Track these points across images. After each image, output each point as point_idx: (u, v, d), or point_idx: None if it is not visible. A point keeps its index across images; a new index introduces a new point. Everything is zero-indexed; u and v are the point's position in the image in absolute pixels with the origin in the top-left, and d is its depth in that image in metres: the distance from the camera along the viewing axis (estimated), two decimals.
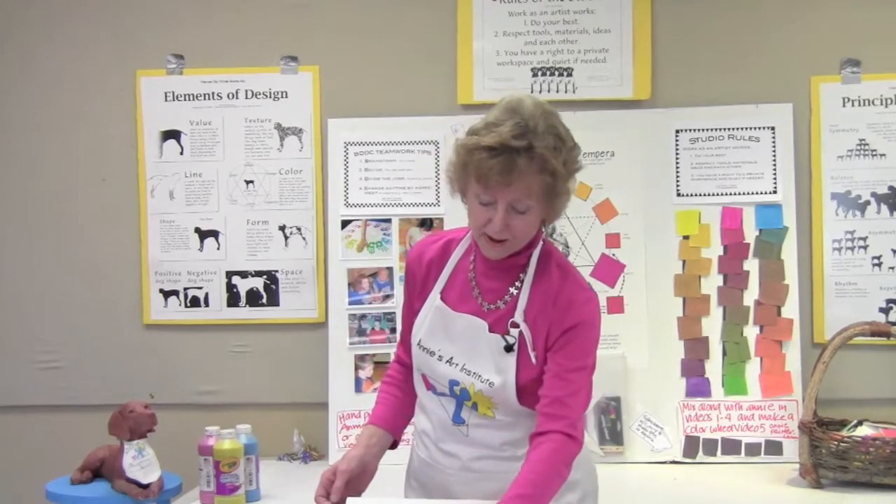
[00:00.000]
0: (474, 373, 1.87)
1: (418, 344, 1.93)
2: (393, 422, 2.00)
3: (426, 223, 3.08)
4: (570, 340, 1.84)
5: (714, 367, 2.99)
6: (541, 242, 1.91)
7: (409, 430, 2.05)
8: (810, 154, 3.03)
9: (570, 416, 1.81)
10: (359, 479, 1.91)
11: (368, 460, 1.93)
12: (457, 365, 1.89)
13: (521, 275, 1.89)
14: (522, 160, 1.73)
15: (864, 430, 2.71)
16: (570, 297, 1.86)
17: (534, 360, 1.85)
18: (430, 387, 1.94)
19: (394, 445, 2.01)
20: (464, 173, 1.81)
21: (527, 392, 1.86)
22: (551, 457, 1.79)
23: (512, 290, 1.89)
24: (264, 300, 3.15)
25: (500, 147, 1.73)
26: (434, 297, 1.93)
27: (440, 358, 1.90)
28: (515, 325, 1.86)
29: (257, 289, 3.15)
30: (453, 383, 1.89)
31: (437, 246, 1.98)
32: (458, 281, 1.93)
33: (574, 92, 3.08)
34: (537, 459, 1.78)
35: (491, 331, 1.87)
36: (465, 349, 1.88)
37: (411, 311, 1.99)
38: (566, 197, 1.85)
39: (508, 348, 1.85)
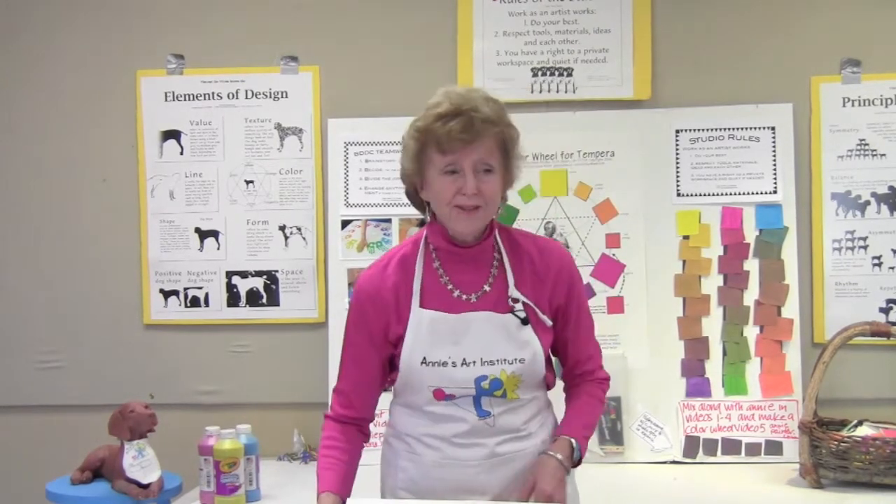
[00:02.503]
0: (498, 360, 1.88)
1: (423, 362, 1.90)
2: (345, 486, 1.93)
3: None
4: (574, 296, 1.96)
5: (714, 367, 2.99)
6: (495, 226, 1.97)
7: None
8: (810, 154, 3.03)
9: (598, 359, 2.02)
10: None
11: None
12: (474, 362, 1.88)
13: (494, 255, 1.94)
14: (477, 120, 1.82)
15: (865, 430, 2.71)
16: (554, 256, 1.96)
17: (549, 322, 1.92)
18: (444, 397, 1.91)
19: None
20: (422, 156, 1.88)
21: (547, 361, 1.95)
22: (599, 393, 2.01)
23: (493, 271, 1.92)
24: (264, 300, 3.15)
25: (455, 110, 1.83)
26: (419, 312, 1.90)
27: (454, 364, 1.89)
28: (516, 301, 1.89)
29: (257, 289, 3.16)
30: (480, 380, 1.89)
31: (390, 269, 1.95)
32: (431, 288, 1.92)
33: (574, 92, 3.08)
34: (589, 393, 2.00)
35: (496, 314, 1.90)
36: (476, 344, 1.89)
37: (375, 355, 1.95)
38: (519, 163, 1.94)
39: (524, 321, 1.89)
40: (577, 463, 1.95)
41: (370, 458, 1.95)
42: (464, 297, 1.91)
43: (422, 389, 1.92)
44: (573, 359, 2.00)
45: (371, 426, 2.04)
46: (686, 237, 3.02)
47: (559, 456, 1.89)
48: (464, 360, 1.88)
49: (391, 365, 1.97)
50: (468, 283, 1.92)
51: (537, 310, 1.91)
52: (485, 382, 1.89)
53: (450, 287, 1.92)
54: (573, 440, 1.92)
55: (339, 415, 1.99)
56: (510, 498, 1.90)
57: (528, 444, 1.94)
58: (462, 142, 1.82)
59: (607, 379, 2.03)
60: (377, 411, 2.03)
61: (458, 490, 1.91)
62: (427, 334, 1.90)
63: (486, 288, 1.92)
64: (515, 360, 1.89)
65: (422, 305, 1.91)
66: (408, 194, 1.99)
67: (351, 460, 1.97)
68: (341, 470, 1.95)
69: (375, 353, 1.95)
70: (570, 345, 1.98)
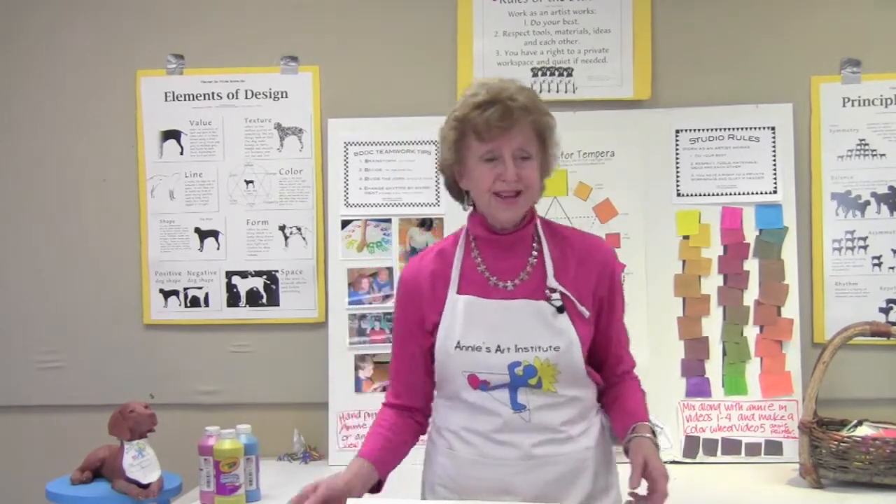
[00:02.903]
0: (532, 347, 1.89)
1: (457, 346, 1.91)
2: (382, 458, 1.95)
3: (426, 223, 3.08)
4: (616, 291, 1.98)
5: (714, 367, 2.99)
6: (536, 215, 1.98)
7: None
8: (810, 154, 3.03)
9: (632, 361, 2.06)
10: (338, 500, 1.87)
11: (352, 488, 1.89)
12: (508, 349, 1.89)
13: (533, 244, 1.95)
14: (514, 108, 1.85)
15: (864, 430, 2.71)
16: (599, 249, 1.99)
17: (586, 313, 1.92)
18: (479, 384, 1.92)
19: (377, 488, 1.96)
20: (461, 144, 1.90)
21: (585, 352, 1.93)
22: (641, 389, 2.04)
23: (531, 259, 1.94)
24: (264, 300, 3.16)
25: (492, 98, 1.86)
26: (454, 298, 1.93)
27: (488, 349, 1.90)
28: (553, 290, 1.90)
29: (257, 289, 3.16)
30: (513, 366, 1.89)
31: (429, 258, 2.00)
32: (469, 276, 1.95)
33: (574, 92, 3.08)
34: (638, 389, 2.04)
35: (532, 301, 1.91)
36: (510, 331, 1.90)
37: (414, 344, 1.98)
38: (556, 152, 1.96)
39: (560, 309, 1.90)
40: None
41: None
42: (500, 284, 1.94)
43: (456, 375, 1.93)
44: (615, 356, 2.00)
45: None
46: (686, 237, 3.02)
47: (649, 435, 1.89)
48: (498, 346, 1.89)
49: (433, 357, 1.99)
50: (506, 270, 1.94)
51: (575, 300, 1.91)
52: (518, 369, 1.89)
53: (487, 275, 1.95)
54: (650, 425, 1.93)
55: (390, 402, 2.04)
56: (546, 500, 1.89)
57: (568, 448, 1.92)
58: (500, 129, 1.85)
59: (637, 378, 2.07)
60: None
61: (492, 490, 1.91)
62: (462, 319, 1.92)
63: (524, 276, 1.93)
64: (550, 347, 1.89)
65: (458, 292, 1.94)
66: (447, 186, 2.02)
67: (394, 437, 1.99)
68: (381, 442, 1.97)
69: (415, 342, 1.98)
70: (612, 342, 1.98)
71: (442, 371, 1.95)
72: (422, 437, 2.07)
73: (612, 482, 2.00)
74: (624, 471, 1.96)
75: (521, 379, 1.89)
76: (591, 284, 1.94)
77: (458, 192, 2.00)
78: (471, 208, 1.99)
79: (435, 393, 2.04)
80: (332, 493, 1.85)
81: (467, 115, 1.88)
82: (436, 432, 2.03)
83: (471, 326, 1.91)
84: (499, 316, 1.90)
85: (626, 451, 1.90)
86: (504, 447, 1.91)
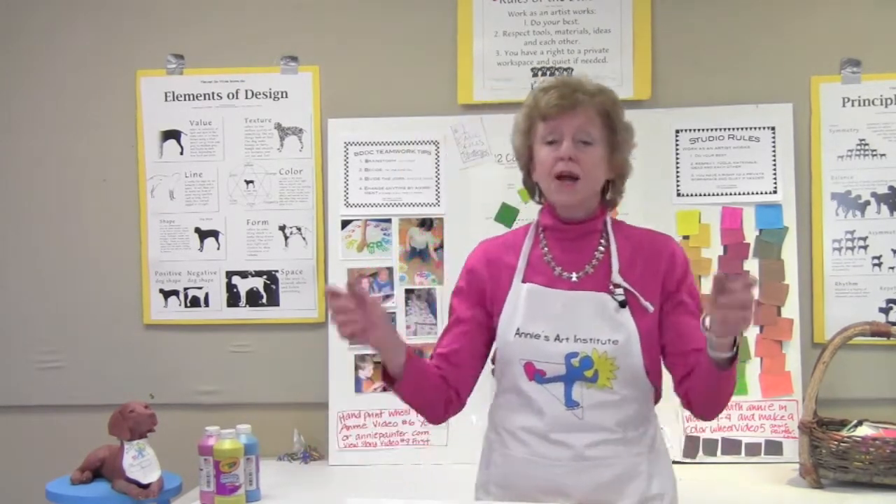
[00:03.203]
0: (591, 339, 1.89)
1: (517, 333, 1.92)
2: (416, 363, 1.92)
3: (426, 223, 3.08)
4: (681, 291, 1.95)
5: None
6: (607, 211, 2.01)
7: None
8: (810, 154, 3.03)
9: None
10: (385, 329, 1.85)
11: (391, 332, 1.89)
12: (567, 339, 1.90)
13: (601, 240, 1.97)
14: (579, 94, 1.90)
15: (864, 430, 2.71)
16: (667, 246, 1.99)
17: (650, 307, 1.92)
18: (535, 374, 1.92)
19: (388, 378, 1.92)
20: (532, 131, 1.95)
21: (644, 349, 1.90)
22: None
23: (597, 254, 1.95)
24: (264, 300, 3.15)
25: (557, 83, 1.93)
26: (519, 286, 1.95)
27: (546, 338, 1.90)
28: (617, 286, 1.91)
29: (257, 289, 3.16)
30: (570, 356, 1.89)
31: (499, 244, 2.05)
32: (535, 265, 1.97)
33: None
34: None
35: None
36: (571, 321, 1.90)
37: (470, 312, 1.99)
38: (627, 146, 1.97)
39: (623, 304, 1.90)
40: (734, 356, 1.80)
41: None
42: (566, 275, 1.95)
43: (514, 363, 1.93)
44: (694, 352, 1.88)
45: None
46: (686, 237, 3.02)
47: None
48: (557, 335, 1.90)
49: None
50: (571, 262, 1.96)
51: (639, 296, 1.92)
52: (575, 360, 1.89)
53: (553, 265, 1.96)
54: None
55: (440, 355, 2.01)
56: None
57: (623, 450, 1.91)
58: (559, 108, 1.89)
59: None
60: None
61: (543, 490, 1.91)
62: (524, 307, 1.93)
63: (589, 269, 1.95)
64: (609, 340, 1.89)
65: (523, 281, 1.95)
66: (524, 181, 2.05)
67: (433, 370, 1.97)
68: (429, 367, 1.97)
69: (473, 319, 1.98)
70: (685, 338, 1.91)
71: (501, 359, 1.97)
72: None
73: (666, 489, 1.97)
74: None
75: (577, 370, 1.89)
76: (658, 281, 1.94)
77: (532, 186, 2.03)
78: (542, 201, 2.03)
79: (494, 392, 2.05)
80: (377, 308, 1.83)
81: (534, 99, 1.94)
82: (493, 432, 2.03)
83: (532, 314, 1.92)
84: (561, 306, 1.92)
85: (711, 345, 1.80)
86: (557, 447, 1.91)
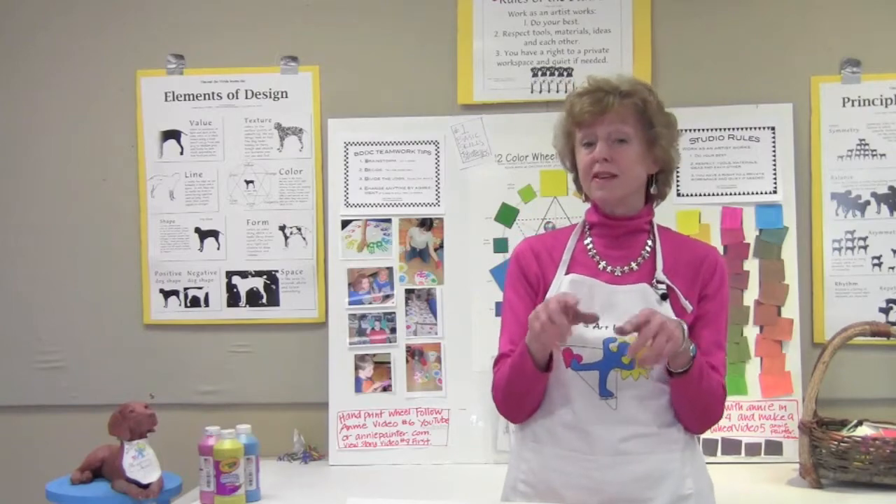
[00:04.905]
0: None
1: None
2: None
3: (426, 223, 3.08)
4: (713, 300, 1.97)
5: None
6: (653, 212, 2.05)
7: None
8: (810, 154, 3.03)
9: (723, 371, 1.98)
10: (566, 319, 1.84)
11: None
12: (607, 326, 1.90)
13: (647, 240, 2.00)
14: (611, 97, 1.94)
15: (864, 430, 2.71)
16: (710, 255, 2.01)
17: (689, 307, 1.94)
18: (572, 359, 1.92)
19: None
20: (569, 131, 2.02)
21: None
22: (720, 389, 1.95)
23: (644, 252, 1.98)
24: (264, 300, 3.15)
25: (591, 87, 1.97)
26: (562, 276, 1.98)
27: (586, 324, 1.90)
28: (660, 283, 1.94)
29: (257, 289, 3.16)
30: (608, 341, 1.91)
31: (546, 237, 2.12)
32: (581, 261, 2.00)
33: None
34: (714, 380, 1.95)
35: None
36: (612, 311, 1.91)
37: (529, 301, 2.00)
38: (667, 139, 1.98)
39: (664, 296, 1.93)
40: (688, 364, 1.86)
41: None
42: (609, 269, 1.98)
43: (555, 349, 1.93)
44: (704, 355, 1.93)
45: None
46: None
47: (684, 325, 1.84)
48: (597, 324, 1.90)
49: None
50: (616, 257, 1.99)
51: (680, 293, 1.94)
52: (613, 345, 1.90)
53: (597, 259, 1.99)
54: (693, 347, 1.87)
55: (510, 352, 2.00)
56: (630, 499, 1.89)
57: (657, 445, 1.92)
58: (591, 114, 1.94)
59: (725, 389, 1.98)
60: None
61: (574, 486, 1.91)
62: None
63: (634, 266, 1.98)
64: None
65: (566, 273, 1.99)
66: (574, 181, 2.10)
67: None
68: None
69: (531, 306, 1.96)
70: (702, 339, 1.95)
71: None
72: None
73: (701, 489, 1.98)
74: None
75: (615, 356, 1.90)
76: (698, 286, 1.97)
77: (580, 187, 2.07)
78: (590, 202, 2.06)
79: None
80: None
81: (570, 105, 2.00)
82: (522, 428, 2.02)
83: None
84: (602, 296, 1.93)
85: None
86: (591, 442, 1.91)
